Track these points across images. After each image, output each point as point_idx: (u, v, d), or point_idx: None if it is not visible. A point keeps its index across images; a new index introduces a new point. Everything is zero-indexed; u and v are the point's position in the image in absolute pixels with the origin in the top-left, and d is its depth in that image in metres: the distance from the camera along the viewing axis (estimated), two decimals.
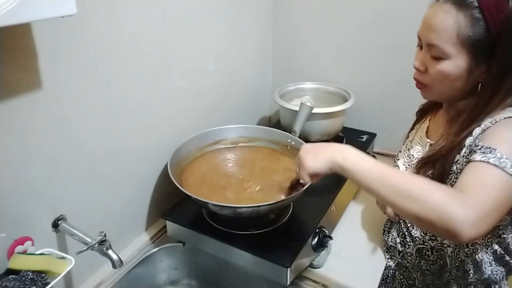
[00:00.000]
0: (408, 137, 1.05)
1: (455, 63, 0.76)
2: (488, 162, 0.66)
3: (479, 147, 0.70)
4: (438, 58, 0.78)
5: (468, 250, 0.84)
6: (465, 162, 0.74)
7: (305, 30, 1.49)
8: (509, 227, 0.81)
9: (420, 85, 0.85)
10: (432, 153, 0.83)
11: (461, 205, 0.60)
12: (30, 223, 0.78)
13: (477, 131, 0.76)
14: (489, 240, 0.83)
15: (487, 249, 0.84)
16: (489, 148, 0.68)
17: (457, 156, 0.78)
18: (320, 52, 1.50)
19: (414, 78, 0.85)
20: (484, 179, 0.65)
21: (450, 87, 0.80)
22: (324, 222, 1.02)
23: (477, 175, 0.66)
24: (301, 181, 0.89)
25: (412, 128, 1.05)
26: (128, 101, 0.95)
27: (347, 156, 0.72)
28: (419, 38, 0.82)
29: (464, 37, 0.73)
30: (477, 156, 0.68)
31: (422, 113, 1.04)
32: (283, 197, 0.96)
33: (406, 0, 1.27)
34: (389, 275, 1.01)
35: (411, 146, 0.99)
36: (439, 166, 0.81)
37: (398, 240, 0.97)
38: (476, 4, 0.71)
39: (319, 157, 0.76)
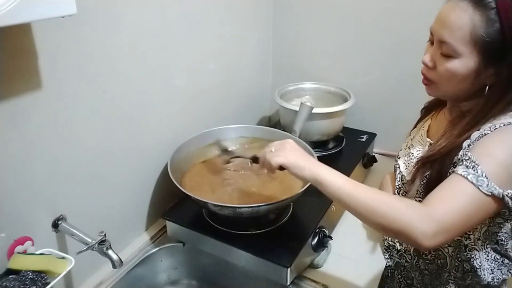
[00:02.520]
0: (410, 135, 1.04)
1: (464, 63, 0.75)
2: (466, 178, 0.68)
3: (466, 158, 0.71)
4: (448, 56, 0.76)
5: (467, 255, 0.84)
6: (451, 171, 0.75)
7: (305, 30, 1.49)
8: (509, 233, 0.82)
9: (426, 81, 0.84)
10: (432, 153, 0.82)
11: (422, 219, 0.66)
12: (30, 223, 0.78)
13: (475, 134, 0.75)
14: (487, 245, 0.83)
15: (487, 255, 0.84)
16: (474, 162, 0.69)
17: (455, 158, 0.78)
18: (320, 52, 1.50)
19: (422, 73, 0.84)
20: (456, 194, 0.69)
21: (456, 87, 0.79)
22: (324, 222, 1.02)
23: (452, 189, 0.70)
24: (258, 156, 0.87)
25: (415, 127, 1.04)
26: (128, 101, 0.95)
27: (324, 170, 0.76)
28: (431, 33, 0.81)
29: (477, 37, 0.72)
30: (460, 169, 0.70)
31: (427, 111, 1.03)
32: (284, 196, 0.96)
33: (406, 0, 1.27)
34: (388, 275, 1.01)
35: (412, 145, 0.98)
36: (437, 167, 0.81)
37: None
38: (493, 5, 0.70)
39: (306, 159, 0.79)
